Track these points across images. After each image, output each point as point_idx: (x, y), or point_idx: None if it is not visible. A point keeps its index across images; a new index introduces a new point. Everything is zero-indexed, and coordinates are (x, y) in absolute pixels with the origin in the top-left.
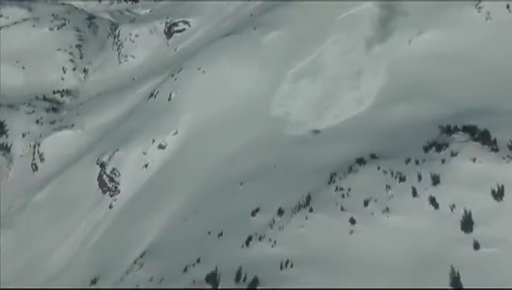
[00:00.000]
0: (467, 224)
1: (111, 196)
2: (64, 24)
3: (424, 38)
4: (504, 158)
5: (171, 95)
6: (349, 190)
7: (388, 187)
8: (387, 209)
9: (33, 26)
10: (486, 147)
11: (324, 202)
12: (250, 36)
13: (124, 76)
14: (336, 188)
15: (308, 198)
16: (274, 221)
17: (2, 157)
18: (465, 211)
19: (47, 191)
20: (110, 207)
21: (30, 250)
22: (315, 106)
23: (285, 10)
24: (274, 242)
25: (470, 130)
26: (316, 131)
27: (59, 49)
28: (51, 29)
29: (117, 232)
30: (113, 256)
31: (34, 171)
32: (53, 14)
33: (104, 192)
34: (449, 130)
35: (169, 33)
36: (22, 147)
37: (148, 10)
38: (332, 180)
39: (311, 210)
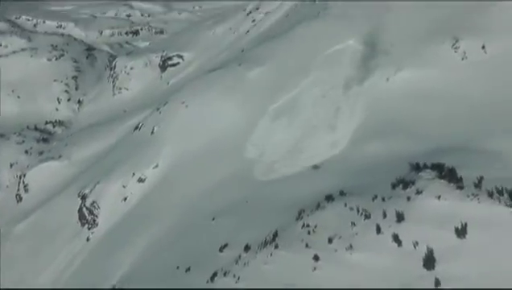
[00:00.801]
0: (429, 261)
1: (89, 229)
2: (62, 55)
3: (402, 76)
4: (469, 196)
5: (154, 129)
6: (315, 227)
7: (353, 224)
8: (351, 247)
9: (31, 56)
10: (452, 184)
11: (289, 239)
12: (235, 72)
13: (116, 108)
14: (303, 224)
15: (275, 234)
16: (240, 257)
17: None
18: (428, 248)
19: (29, 222)
20: (87, 240)
21: (11, 279)
22: (289, 149)
23: (273, 44)
24: (238, 278)
25: (438, 168)
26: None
27: (55, 80)
28: (49, 59)
29: (91, 265)
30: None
31: (18, 201)
32: (52, 45)
33: (83, 224)
34: (418, 168)
35: (163, 66)
36: (9, 177)
37: (147, 43)
38: (299, 216)
39: (276, 247)
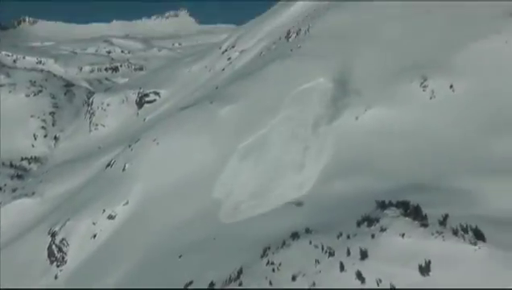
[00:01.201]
0: None
1: (57, 266)
2: (41, 91)
3: (371, 114)
4: (433, 233)
5: (125, 165)
6: (280, 264)
7: (317, 261)
8: (314, 284)
9: (9, 91)
10: (417, 222)
11: (254, 276)
12: (206, 109)
13: (92, 144)
14: (268, 261)
15: (240, 272)
16: None
17: None
18: (391, 286)
19: None
20: (56, 278)
21: None
22: (257, 189)
23: (245, 82)
24: None
25: (403, 206)
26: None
27: (32, 116)
28: (27, 95)
29: None
30: None
31: None
32: (30, 81)
33: (51, 262)
34: (383, 205)
35: (140, 103)
36: None
37: (127, 80)
38: (264, 254)
39: (240, 284)
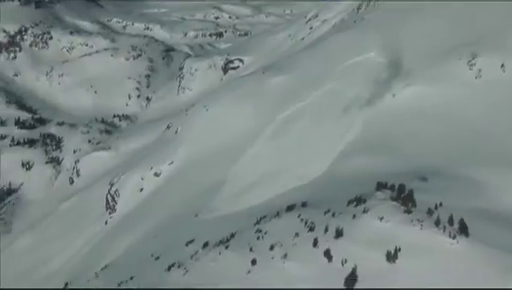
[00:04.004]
0: (350, 281)
1: (109, 213)
2: (140, 55)
3: (410, 91)
4: (412, 221)
5: (178, 129)
6: (266, 233)
7: (296, 235)
8: (285, 256)
9: (111, 55)
10: (403, 207)
11: (241, 241)
12: (257, 79)
13: (176, 106)
14: (257, 229)
15: (232, 235)
16: (196, 252)
17: (52, 169)
18: (354, 268)
19: (71, 202)
20: (106, 223)
21: (41, 251)
22: (274, 168)
23: (304, 53)
24: (187, 271)
25: (398, 189)
26: None
27: (129, 77)
28: (126, 59)
29: (98, 247)
30: (88, 266)
31: (71, 183)
32: (132, 46)
33: (106, 209)
34: (379, 187)
35: (225, 69)
36: (71, 162)
37: (229, 45)
38: (258, 222)
39: (226, 247)
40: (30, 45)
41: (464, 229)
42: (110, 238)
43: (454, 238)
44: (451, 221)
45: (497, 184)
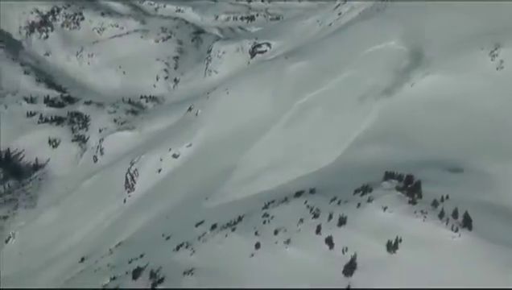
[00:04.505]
0: (349, 268)
1: (128, 192)
2: (170, 37)
3: (428, 80)
4: (416, 212)
5: (198, 111)
6: (272, 217)
7: (301, 221)
8: (288, 241)
9: (141, 37)
10: (407, 198)
11: (248, 225)
12: (279, 64)
13: (202, 89)
14: (264, 214)
15: (239, 219)
16: (204, 234)
17: (78, 147)
18: (353, 256)
19: (93, 180)
20: (124, 201)
21: (63, 225)
22: (284, 157)
23: (327, 40)
24: (193, 252)
25: (407, 180)
26: None
27: (157, 59)
28: (156, 41)
29: (118, 223)
30: (105, 242)
31: (94, 161)
32: (162, 28)
33: (126, 187)
34: (387, 176)
35: (253, 53)
36: (96, 140)
37: (259, 29)
38: (266, 206)
39: (233, 230)
40: (62, 25)
41: (467, 223)
42: (127, 216)
43: (456, 231)
44: (455, 214)
45: (509, 178)
